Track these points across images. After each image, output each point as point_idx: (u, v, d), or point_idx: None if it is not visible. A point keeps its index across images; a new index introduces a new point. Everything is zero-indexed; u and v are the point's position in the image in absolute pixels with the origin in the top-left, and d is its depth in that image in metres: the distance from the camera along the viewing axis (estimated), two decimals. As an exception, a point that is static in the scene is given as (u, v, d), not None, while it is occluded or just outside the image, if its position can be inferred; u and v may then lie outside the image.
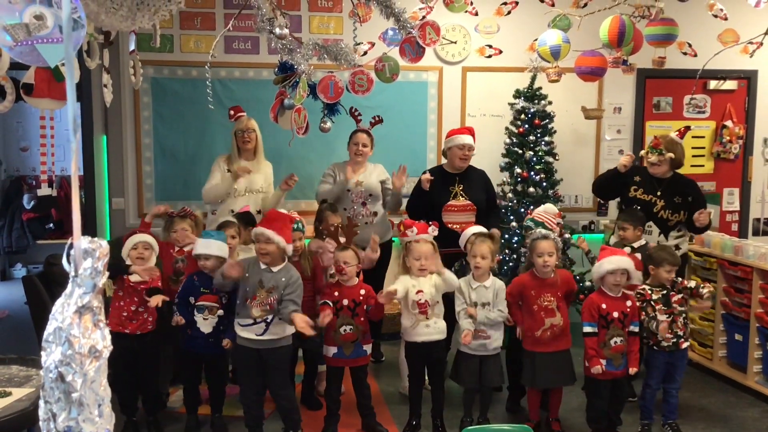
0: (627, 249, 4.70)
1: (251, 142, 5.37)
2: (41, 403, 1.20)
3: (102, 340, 1.20)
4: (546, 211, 4.74)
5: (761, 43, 5.51)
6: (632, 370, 4.20)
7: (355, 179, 5.41)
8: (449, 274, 4.32)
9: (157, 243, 4.43)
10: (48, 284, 4.76)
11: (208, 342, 4.28)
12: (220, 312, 4.27)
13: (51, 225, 8.95)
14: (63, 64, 3.59)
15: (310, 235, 5.88)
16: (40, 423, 1.19)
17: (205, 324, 4.26)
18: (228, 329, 4.24)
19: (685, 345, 4.41)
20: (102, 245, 1.22)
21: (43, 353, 1.20)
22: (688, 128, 5.27)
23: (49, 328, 1.19)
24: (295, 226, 4.57)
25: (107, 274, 1.24)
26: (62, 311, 1.18)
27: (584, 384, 4.82)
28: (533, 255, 4.31)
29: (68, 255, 1.21)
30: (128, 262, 4.27)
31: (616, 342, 4.15)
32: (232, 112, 5.41)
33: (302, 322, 3.89)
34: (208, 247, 4.28)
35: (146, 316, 4.27)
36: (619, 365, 4.18)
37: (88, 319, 1.17)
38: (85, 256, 1.19)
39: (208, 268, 4.28)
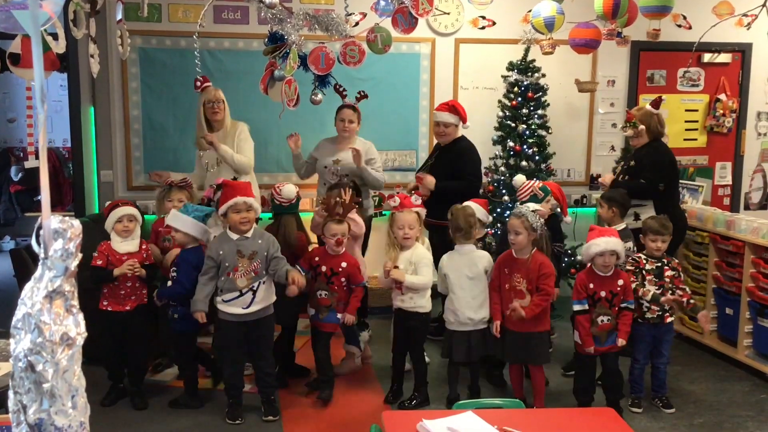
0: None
1: (220, 113, 5.18)
2: (10, 394, 1.15)
3: (75, 326, 1.14)
4: (517, 180, 4.83)
5: (756, 16, 5.46)
6: (620, 342, 4.16)
7: (335, 157, 5.36)
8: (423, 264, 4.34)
9: (140, 214, 4.42)
10: (36, 257, 4.72)
11: (173, 318, 4.30)
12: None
13: (39, 197, 8.86)
14: (49, 33, 3.53)
15: (303, 208, 5.89)
16: (10, 415, 1.14)
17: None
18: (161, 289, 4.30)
19: (670, 319, 4.43)
20: (74, 225, 1.15)
21: (11, 341, 1.14)
22: (660, 98, 5.25)
23: (18, 313, 1.13)
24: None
25: (80, 255, 1.19)
26: (31, 296, 1.12)
27: (567, 364, 4.86)
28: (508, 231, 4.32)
29: (37, 235, 1.15)
30: (113, 236, 4.27)
31: (603, 320, 4.12)
32: (198, 83, 5.18)
33: (297, 276, 4.10)
34: (176, 220, 4.24)
35: (143, 291, 4.32)
36: (603, 342, 4.16)
37: (60, 305, 1.12)
38: (56, 237, 1.13)
39: (177, 242, 4.29)
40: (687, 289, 4.48)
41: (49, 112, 8.52)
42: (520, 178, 4.79)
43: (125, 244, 4.26)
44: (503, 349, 4.32)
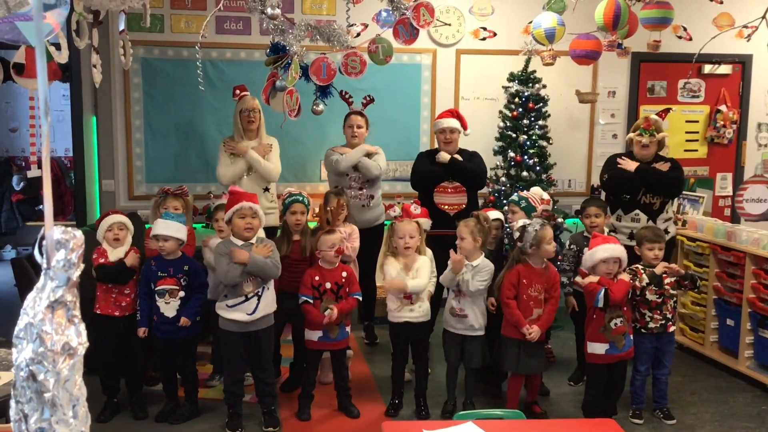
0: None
1: (256, 122, 5.32)
2: (12, 403, 1.15)
3: (77, 336, 1.14)
4: (533, 192, 4.77)
5: (756, 27, 5.47)
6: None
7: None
8: (424, 270, 4.38)
9: (131, 222, 4.41)
10: (38, 267, 4.72)
11: (174, 327, 4.25)
12: (182, 294, 4.26)
13: (41, 207, 8.88)
14: (52, 43, 3.55)
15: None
16: (12, 424, 1.14)
17: (168, 308, 4.23)
18: (186, 309, 4.25)
19: (672, 328, 4.43)
20: (76, 236, 1.16)
21: (13, 350, 1.15)
22: (668, 110, 5.24)
23: (20, 323, 1.14)
24: (301, 198, 4.62)
25: (82, 265, 1.20)
26: (34, 306, 1.12)
27: (572, 375, 4.86)
28: (544, 243, 4.26)
29: (40, 246, 1.16)
30: (104, 245, 4.28)
31: (616, 324, 4.12)
32: (237, 91, 5.33)
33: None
34: (167, 228, 4.22)
35: (133, 297, 4.30)
36: (622, 347, 4.16)
37: (62, 315, 1.12)
38: (58, 247, 1.14)
39: (165, 250, 4.25)
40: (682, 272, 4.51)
41: (52, 122, 8.51)
42: (538, 190, 4.78)
43: (115, 252, 4.27)
44: (518, 360, 4.30)
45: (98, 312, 4.25)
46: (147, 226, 4.81)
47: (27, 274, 4.89)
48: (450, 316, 4.38)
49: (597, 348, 4.18)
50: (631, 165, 4.96)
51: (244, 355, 4.19)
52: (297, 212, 4.57)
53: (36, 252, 1.16)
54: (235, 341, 4.14)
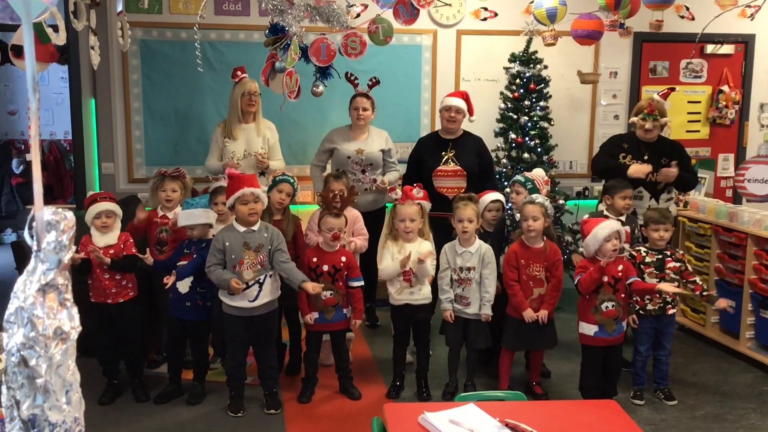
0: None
1: (256, 105, 5.27)
2: (3, 389, 1.13)
3: (69, 320, 1.12)
4: (536, 173, 4.76)
5: (760, 7, 5.42)
6: (659, 286, 4.15)
7: (357, 147, 5.37)
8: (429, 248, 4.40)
9: (119, 207, 4.36)
10: (38, 250, 4.72)
11: (185, 306, 4.28)
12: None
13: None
14: (49, 25, 3.52)
15: (305, 200, 5.87)
16: (3, 410, 1.12)
17: (182, 284, 4.26)
18: (202, 289, 4.29)
19: (672, 311, 4.42)
20: (67, 217, 1.14)
21: (4, 335, 1.13)
22: (671, 89, 5.19)
23: (10, 307, 1.11)
24: (291, 180, 4.61)
25: (74, 247, 1.18)
26: (24, 289, 1.10)
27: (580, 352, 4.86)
28: (522, 219, 4.30)
29: (30, 227, 1.14)
30: (92, 231, 4.26)
31: (607, 307, 4.11)
32: (239, 73, 5.27)
33: (311, 289, 4.06)
34: (190, 218, 4.26)
35: (125, 283, 4.30)
36: (612, 331, 4.15)
37: (53, 298, 1.10)
38: (49, 229, 1.11)
39: (195, 237, 4.30)
40: (698, 280, 4.47)
41: (51, 104, 8.51)
42: (540, 171, 4.78)
43: (104, 238, 4.25)
44: (515, 337, 4.36)
45: (92, 301, 4.27)
46: (146, 209, 4.79)
47: (28, 258, 4.88)
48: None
49: (587, 329, 4.19)
50: (643, 170, 4.89)
51: (247, 339, 4.19)
52: (283, 191, 4.55)
53: (26, 234, 1.14)
54: (238, 325, 4.14)
